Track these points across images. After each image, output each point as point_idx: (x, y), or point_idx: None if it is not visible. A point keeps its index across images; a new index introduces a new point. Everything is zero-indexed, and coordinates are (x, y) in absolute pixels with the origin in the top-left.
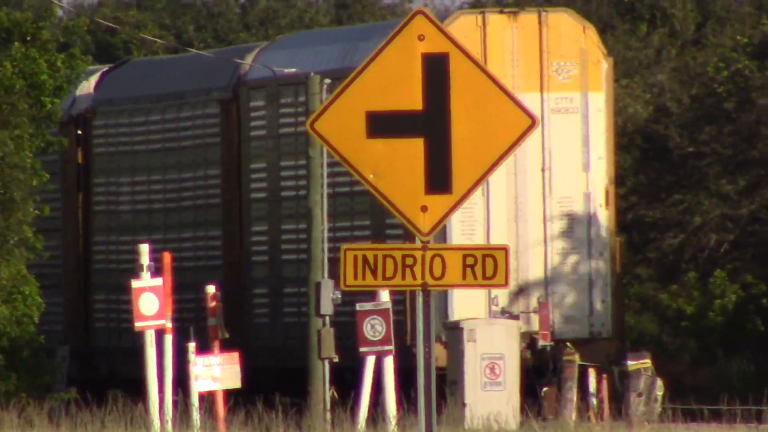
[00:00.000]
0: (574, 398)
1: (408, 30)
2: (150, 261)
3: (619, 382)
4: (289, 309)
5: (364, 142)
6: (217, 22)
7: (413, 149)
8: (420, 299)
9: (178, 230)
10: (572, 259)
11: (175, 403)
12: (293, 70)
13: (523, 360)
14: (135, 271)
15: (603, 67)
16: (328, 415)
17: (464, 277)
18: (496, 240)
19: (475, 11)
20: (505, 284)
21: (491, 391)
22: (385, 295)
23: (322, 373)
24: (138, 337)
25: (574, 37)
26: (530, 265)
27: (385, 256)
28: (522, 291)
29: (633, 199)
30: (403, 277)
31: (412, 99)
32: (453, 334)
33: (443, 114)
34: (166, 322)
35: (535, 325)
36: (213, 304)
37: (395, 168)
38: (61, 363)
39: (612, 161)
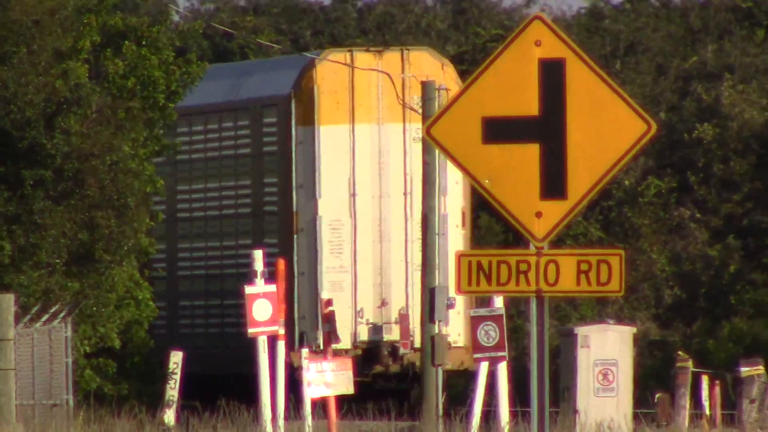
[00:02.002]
0: (687, 405)
1: (525, 35)
2: (264, 267)
3: (731, 389)
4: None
5: (479, 148)
6: (334, 27)
7: (529, 155)
8: (534, 305)
9: None
10: None
11: (287, 410)
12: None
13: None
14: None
15: None
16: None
17: (578, 283)
18: (362, 259)
19: (343, 49)
20: (620, 290)
21: (604, 397)
22: (498, 302)
23: (434, 380)
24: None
25: (433, 72)
26: (393, 281)
27: (499, 262)
28: (385, 304)
29: (748, 204)
30: (518, 283)
31: (528, 105)
32: (566, 341)
33: (559, 120)
34: (279, 329)
35: (397, 335)
36: (327, 310)
37: (510, 174)
38: (174, 369)
39: (469, 186)
